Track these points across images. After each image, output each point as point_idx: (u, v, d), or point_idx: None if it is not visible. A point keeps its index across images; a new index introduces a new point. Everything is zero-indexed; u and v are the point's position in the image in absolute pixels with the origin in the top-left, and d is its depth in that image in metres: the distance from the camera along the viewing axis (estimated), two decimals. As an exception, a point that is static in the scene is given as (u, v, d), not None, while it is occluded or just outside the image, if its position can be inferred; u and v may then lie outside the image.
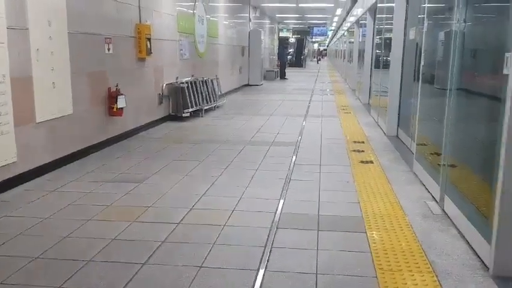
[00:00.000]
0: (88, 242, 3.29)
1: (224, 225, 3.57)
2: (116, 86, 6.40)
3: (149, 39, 7.34)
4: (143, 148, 6.37)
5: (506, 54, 2.66)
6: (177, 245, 3.24)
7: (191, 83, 9.22)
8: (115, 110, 6.29)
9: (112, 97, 6.28)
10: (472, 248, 3.14)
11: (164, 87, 8.43)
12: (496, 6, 3.30)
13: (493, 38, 3.25)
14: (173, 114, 8.78)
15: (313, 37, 42.45)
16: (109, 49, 6.26)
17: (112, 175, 4.98)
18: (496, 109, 2.81)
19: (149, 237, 3.35)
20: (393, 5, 7.11)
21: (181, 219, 3.69)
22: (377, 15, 10.04)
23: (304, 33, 36.11)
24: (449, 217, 3.69)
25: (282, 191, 4.41)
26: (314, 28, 34.07)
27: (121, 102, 6.32)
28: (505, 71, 2.68)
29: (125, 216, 3.75)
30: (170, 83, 8.69)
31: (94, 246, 3.19)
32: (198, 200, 4.15)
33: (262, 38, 18.30)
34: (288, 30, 33.94)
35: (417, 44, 6.02)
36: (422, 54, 5.10)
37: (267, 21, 23.12)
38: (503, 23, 2.84)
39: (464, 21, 3.70)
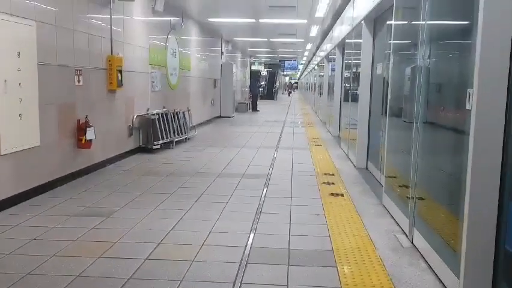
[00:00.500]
0: (51, 279, 3.15)
1: (193, 261, 3.49)
2: (86, 117, 6.31)
3: (120, 71, 7.31)
4: (111, 181, 6.24)
5: (469, 91, 2.75)
6: (144, 281, 3.14)
7: (162, 114, 9.18)
8: (83, 142, 6.18)
9: (81, 129, 6.18)
10: (441, 281, 3.16)
11: (134, 119, 8.36)
12: (458, 43, 3.44)
13: (456, 74, 3.37)
14: (143, 146, 8.68)
15: (285, 70, 43.22)
16: (79, 81, 6.19)
17: (78, 209, 4.84)
18: (461, 142, 2.89)
19: (115, 274, 3.24)
20: (361, 41, 7.34)
21: (149, 255, 3.59)
22: (346, 51, 10.32)
23: (275, 67, 36.78)
24: (418, 250, 3.72)
25: (252, 225, 4.37)
26: (285, 62, 34.74)
27: (90, 134, 6.21)
28: (467, 107, 2.77)
29: (91, 252, 3.63)
30: (141, 115, 8.63)
31: (57, 284, 3.07)
32: (166, 235, 4.07)
33: (234, 70, 18.52)
34: (260, 63, 34.52)
35: (384, 78, 6.20)
36: (389, 89, 5.25)
37: (239, 54, 23.47)
38: (465, 59, 2.96)
39: (429, 58, 3.84)
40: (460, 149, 2.90)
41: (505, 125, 2.60)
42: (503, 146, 2.62)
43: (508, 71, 2.57)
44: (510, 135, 2.59)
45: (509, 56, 2.57)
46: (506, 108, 2.59)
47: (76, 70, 6.14)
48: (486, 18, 2.58)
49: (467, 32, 2.95)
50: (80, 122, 6.22)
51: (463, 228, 2.77)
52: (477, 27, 2.64)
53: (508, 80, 2.58)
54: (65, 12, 5.85)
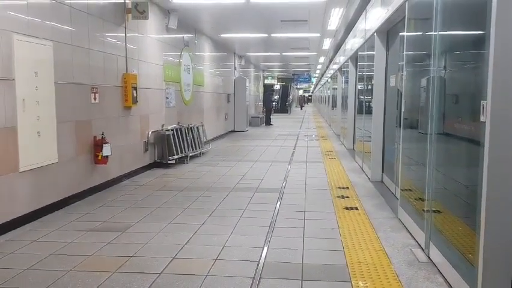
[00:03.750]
0: (66, 295, 3.19)
1: (207, 275, 3.50)
2: (102, 134, 6.41)
3: (135, 88, 7.43)
4: (127, 196, 6.30)
5: (482, 102, 2.74)
6: (159, 297, 3.16)
7: (176, 130, 9.27)
8: (100, 158, 6.27)
9: (97, 145, 6.27)
10: (458, 295, 3.12)
11: (150, 135, 8.46)
12: (471, 54, 3.43)
13: (470, 85, 3.35)
14: (158, 161, 8.77)
15: (298, 84, 43.31)
16: (95, 98, 6.31)
17: (94, 224, 4.89)
18: (476, 154, 2.87)
19: (130, 289, 3.26)
20: (374, 53, 7.35)
21: (163, 269, 3.61)
22: (359, 63, 10.33)
23: (289, 80, 36.87)
24: (434, 265, 3.67)
25: (265, 239, 4.37)
26: (299, 75, 34.83)
27: (106, 151, 6.31)
28: (481, 118, 2.75)
29: (107, 267, 3.66)
30: (156, 131, 8.73)
31: (73, 300, 3.10)
32: (181, 249, 4.08)
33: (247, 85, 18.63)
34: (273, 77, 34.63)
35: (398, 90, 6.18)
36: (403, 101, 5.23)
37: (252, 69, 23.62)
38: (479, 70, 2.95)
39: (444, 68, 3.83)
40: (476, 161, 2.87)
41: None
42: (518, 158, 2.59)
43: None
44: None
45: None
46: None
47: (92, 88, 6.26)
48: (498, 28, 2.57)
49: (480, 43, 2.94)
50: (97, 139, 6.32)
51: (480, 242, 2.73)
52: (489, 37, 2.63)
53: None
54: (80, 31, 5.99)
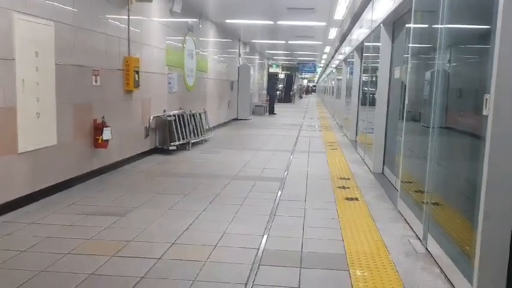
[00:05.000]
0: (65, 276, 3.19)
1: (205, 262, 3.50)
2: (102, 117, 6.38)
3: (137, 72, 7.39)
4: (127, 181, 6.30)
5: (486, 96, 2.70)
6: (156, 281, 3.16)
7: (179, 116, 9.24)
8: (100, 142, 6.25)
9: (98, 129, 6.25)
10: (455, 288, 3.11)
11: (151, 120, 8.43)
12: (476, 48, 3.39)
13: (474, 78, 3.32)
14: (159, 147, 8.75)
15: (303, 73, 43.11)
16: (96, 81, 6.28)
17: (93, 208, 4.89)
18: (477, 148, 2.84)
19: (128, 273, 3.26)
20: (379, 44, 7.28)
21: (162, 255, 3.61)
22: (364, 54, 10.25)
23: (293, 70, 36.70)
24: (432, 256, 3.67)
25: (266, 227, 4.36)
26: (304, 65, 34.65)
27: (106, 134, 6.29)
28: (484, 112, 2.72)
29: (105, 251, 3.66)
30: (158, 116, 8.71)
31: (71, 282, 3.10)
32: (180, 235, 4.08)
33: (251, 73, 18.54)
34: (277, 66, 34.46)
35: (402, 82, 6.13)
36: (407, 93, 5.18)
37: (257, 56, 23.50)
38: (483, 64, 2.91)
39: (448, 62, 3.79)
40: (476, 155, 2.85)
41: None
42: (520, 152, 2.56)
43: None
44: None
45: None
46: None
47: (93, 70, 6.22)
48: (505, 22, 2.54)
49: (485, 37, 2.90)
50: (97, 122, 6.30)
51: (477, 235, 2.72)
52: (495, 31, 2.59)
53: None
54: (83, 12, 5.93)
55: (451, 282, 3.19)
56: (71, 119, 5.77)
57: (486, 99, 2.70)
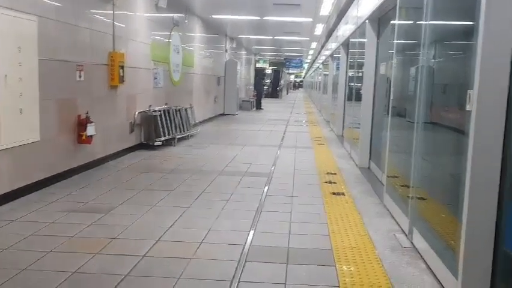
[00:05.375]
0: (47, 275, 3.14)
1: (191, 258, 3.48)
2: (87, 113, 6.30)
3: (122, 67, 7.30)
4: (111, 177, 6.23)
5: (469, 91, 2.72)
6: (141, 279, 3.13)
7: (164, 111, 9.17)
8: (84, 137, 6.17)
9: (82, 125, 6.17)
10: (439, 282, 3.13)
11: (136, 115, 8.35)
12: (460, 44, 3.40)
13: (457, 74, 3.34)
14: (145, 142, 8.67)
15: (290, 69, 43.12)
16: (80, 76, 6.19)
17: (77, 205, 4.83)
18: (461, 143, 2.86)
19: (112, 271, 3.22)
20: (365, 40, 7.29)
21: (147, 252, 3.58)
22: (350, 50, 10.27)
23: (280, 65, 36.68)
24: (417, 250, 3.69)
25: (252, 223, 4.35)
26: (291, 60, 34.65)
27: (90, 130, 6.21)
28: (467, 107, 2.74)
29: (88, 248, 3.61)
30: (143, 111, 8.62)
31: (54, 280, 3.05)
32: (165, 232, 4.05)
33: (238, 68, 18.48)
34: (264, 61, 34.40)
35: (387, 78, 6.15)
36: (392, 89, 5.20)
37: (244, 52, 23.43)
38: (467, 60, 2.92)
39: (432, 58, 3.81)
40: (460, 150, 2.87)
41: (505, 126, 2.57)
42: (503, 147, 2.58)
43: (509, 72, 2.54)
44: (510, 136, 2.56)
45: (509, 57, 2.53)
46: (507, 109, 2.56)
47: (77, 66, 6.13)
48: (487, 19, 2.55)
49: (468, 33, 2.91)
50: (81, 118, 6.21)
51: (461, 229, 2.74)
52: (478, 28, 2.60)
53: (509, 81, 2.54)
54: (67, 7, 5.83)
55: (436, 276, 3.21)
56: (55, 114, 5.68)
57: (469, 94, 2.71)
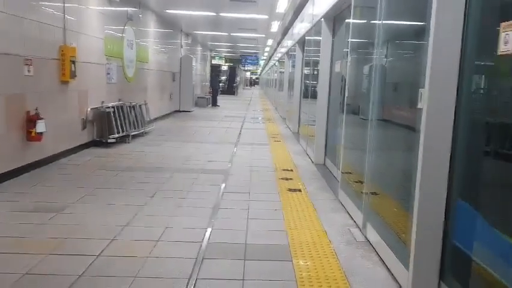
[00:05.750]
0: (-6, 278, 3.01)
1: (147, 257, 3.43)
2: (36, 109, 6.06)
3: (73, 62, 7.07)
4: (63, 175, 6.03)
5: (420, 90, 2.82)
6: (96, 279, 3.05)
7: (118, 107, 8.96)
8: (33, 134, 5.94)
9: (31, 121, 5.93)
10: (391, 274, 3.25)
11: (88, 112, 8.11)
12: (412, 43, 3.53)
13: (409, 73, 3.46)
14: (98, 139, 8.45)
15: (246, 66, 43.17)
16: (29, 71, 5.94)
17: (27, 204, 4.65)
18: (412, 140, 2.97)
19: (65, 271, 3.13)
20: (320, 38, 7.41)
21: (101, 251, 3.50)
22: (306, 47, 10.41)
23: (236, 62, 36.65)
24: (371, 244, 3.81)
25: (209, 220, 4.34)
26: (247, 57, 34.68)
27: (40, 127, 5.98)
28: (419, 105, 2.85)
29: (40, 249, 3.49)
30: (96, 108, 8.39)
31: (3, 282, 2.93)
32: (121, 231, 3.97)
33: (194, 64, 18.31)
34: (220, 57, 34.25)
35: (342, 76, 6.28)
36: (347, 86, 5.32)
37: (199, 48, 23.23)
38: (418, 59, 3.03)
39: (385, 57, 3.92)
40: (411, 146, 2.97)
41: (454, 124, 2.69)
42: (452, 144, 2.70)
43: (458, 72, 2.66)
44: (459, 133, 2.68)
45: (459, 57, 2.65)
46: (456, 107, 2.68)
47: (26, 60, 5.88)
48: (438, 19, 2.65)
49: (420, 33, 3.02)
50: (30, 114, 5.98)
51: (412, 223, 2.84)
52: (429, 28, 2.70)
53: (458, 80, 2.66)
54: (14, -2, 5.59)
55: (388, 268, 3.33)
56: (2, 110, 5.43)
57: (421, 93, 2.82)
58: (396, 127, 3.73)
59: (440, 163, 2.72)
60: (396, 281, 3.13)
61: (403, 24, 3.74)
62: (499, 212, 2.41)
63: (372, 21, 4.24)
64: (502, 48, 2.21)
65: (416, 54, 3.25)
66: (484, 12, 2.57)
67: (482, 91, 2.68)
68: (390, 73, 3.87)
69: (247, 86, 56.70)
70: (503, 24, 2.21)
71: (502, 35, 2.20)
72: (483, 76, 2.67)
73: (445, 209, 2.75)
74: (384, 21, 3.86)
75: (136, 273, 3.14)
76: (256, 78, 71.45)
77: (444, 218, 2.76)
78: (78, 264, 3.24)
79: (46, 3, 6.41)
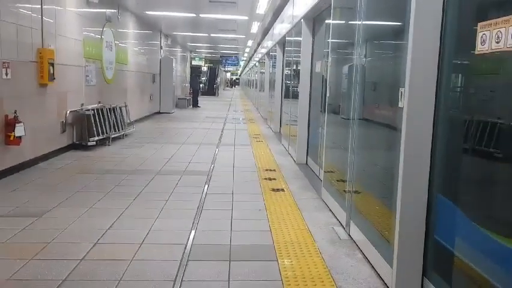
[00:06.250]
0: (-25, 285, 2.95)
1: (132, 260, 3.41)
2: (15, 113, 5.96)
3: (52, 65, 6.97)
4: (43, 179, 5.94)
5: (401, 89, 2.87)
6: (80, 283, 3.02)
7: (97, 110, 8.86)
8: (12, 138, 5.84)
9: (9, 125, 5.83)
10: (376, 271, 3.29)
11: (68, 115, 8.00)
12: (392, 43, 3.58)
13: (390, 73, 3.51)
14: (77, 143, 8.33)
15: (226, 66, 43.11)
16: (6, 74, 5.83)
17: (6, 209, 4.56)
18: (394, 138, 3.02)
19: (48, 276, 3.09)
20: (301, 39, 7.46)
21: (85, 255, 3.46)
22: (286, 48, 10.46)
23: (216, 63, 36.58)
24: (355, 242, 3.85)
25: (193, 222, 4.33)
26: (227, 58, 34.64)
27: (19, 131, 5.88)
28: (400, 104, 2.90)
29: (21, 254, 3.44)
30: (75, 110, 8.28)
31: (-17, 291, 2.88)
32: (103, 234, 3.93)
33: (174, 65, 18.21)
34: (200, 58, 34.14)
35: (323, 76, 6.34)
36: (328, 86, 5.37)
37: (179, 49, 23.12)
38: (399, 59, 3.08)
39: (364, 57, 3.97)
40: (393, 145, 3.02)
41: (434, 121, 2.75)
42: (432, 141, 2.76)
43: (437, 71, 2.71)
44: (439, 131, 2.73)
45: (437, 56, 2.71)
46: (435, 106, 2.73)
47: (3, 63, 5.78)
48: (417, 20, 2.70)
49: (400, 33, 3.07)
50: (9, 118, 5.87)
51: (395, 220, 2.89)
52: (409, 28, 2.75)
53: (437, 79, 2.72)
54: (-10, 0, 5.49)
55: (372, 266, 3.37)
56: (-22, 114, 5.33)
57: (401, 92, 2.86)
58: (377, 126, 3.78)
59: (421, 160, 2.78)
60: (381, 278, 3.18)
61: (382, 24, 3.79)
62: (479, 207, 2.47)
63: (352, 22, 4.29)
64: (480, 48, 2.27)
65: (396, 54, 3.30)
66: (461, 12, 2.63)
67: (460, 90, 2.74)
68: (371, 73, 3.93)
69: (227, 86, 56.99)
70: (480, 24, 2.27)
71: (479, 34, 2.26)
72: (461, 75, 2.73)
73: (427, 205, 2.80)
74: (364, 22, 3.91)
75: (121, 277, 3.12)
76: (237, 78, 71.41)
77: (426, 214, 2.81)
78: (61, 269, 3.20)
79: (24, 5, 6.31)
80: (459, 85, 2.76)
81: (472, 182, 2.55)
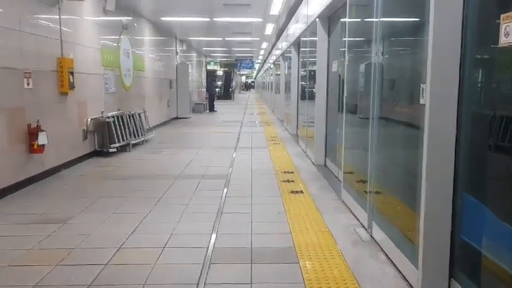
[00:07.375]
0: (4, 292, 3.01)
1: (155, 264, 3.43)
2: (37, 122, 6.07)
3: (72, 73, 7.09)
4: (67, 186, 6.03)
5: (422, 86, 2.84)
6: (105, 287, 3.06)
7: (117, 117, 8.97)
8: (35, 147, 5.95)
9: (32, 134, 5.94)
10: (400, 272, 3.25)
11: (89, 122, 8.12)
12: (411, 40, 3.54)
13: (409, 69, 3.47)
14: (99, 149, 8.45)
15: (241, 70, 43.24)
16: (28, 84, 5.95)
17: (32, 216, 4.65)
18: (416, 136, 2.98)
19: (74, 282, 3.13)
20: (316, 39, 7.43)
21: (109, 260, 3.50)
22: (301, 49, 10.43)
23: (231, 66, 36.71)
24: (377, 243, 3.81)
25: (214, 225, 4.34)
26: (241, 61, 34.73)
27: (42, 139, 5.98)
28: (421, 101, 2.86)
29: (48, 260, 3.49)
30: (96, 118, 8.40)
31: (11, 297, 2.93)
32: (127, 239, 3.97)
33: (189, 70, 18.33)
34: (215, 63, 34.29)
35: (339, 76, 6.30)
36: (345, 86, 5.33)
37: (194, 54, 23.27)
38: (418, 55, 3.05)
39: (382, 54, 3.93)
40: (415, 143, 2.98)
41: (457, 118, 2.70)
42: (456, 138, 2.71)
43: (459, 65, 2.67)
44: (462, 127, 2.69)
45: (459, 50, 2.66)
46: (458, 101, 2.69)
47: (25, 73, 5.89)
48: (437, 14, 2.66)
49: (419, 29, 3.04)
50: (32, 127, 5.98)
51: (419, 220, 2.85)
52: (429, 23, 2.72)
53: (459, 74, 2.67)
54: (10, 12, 5.60)
55: (397, 267, 3.33)
56: (3, 124, 5.43)
57: (422, 88, 2.83)
58: (398, 124, 3.74)
59: (445, 158, 2.73)
60: (406, 280, 3.13)
61: (401, 20, 3.75)
62: (506, 205, 2.42)
63: (369, 19, 4.26)
64: (503, 40, 2.22)
65: (416, 50, 3.26)
66: (483, 4, 2.58)
67: (484, 84, 2.69)
68: (391, 70, 3.88)
69: (243, 90, 57.21)
70: (503, 15, 2.22)
71: (503, 26, 2.22)
72: (484, 69, 2.68)
73: (452, 204, 2.76)
74: (381, 19, 3.88)
75: (145, 281, 3.14)
76: (252, 81, 71.50)
77: (452, 213, 2.76)
78: (87, 274, 3.24)
79: (42, 15, 6.43)
80: (483, 79, 2.71)
81: (498, 179, 2.50)
